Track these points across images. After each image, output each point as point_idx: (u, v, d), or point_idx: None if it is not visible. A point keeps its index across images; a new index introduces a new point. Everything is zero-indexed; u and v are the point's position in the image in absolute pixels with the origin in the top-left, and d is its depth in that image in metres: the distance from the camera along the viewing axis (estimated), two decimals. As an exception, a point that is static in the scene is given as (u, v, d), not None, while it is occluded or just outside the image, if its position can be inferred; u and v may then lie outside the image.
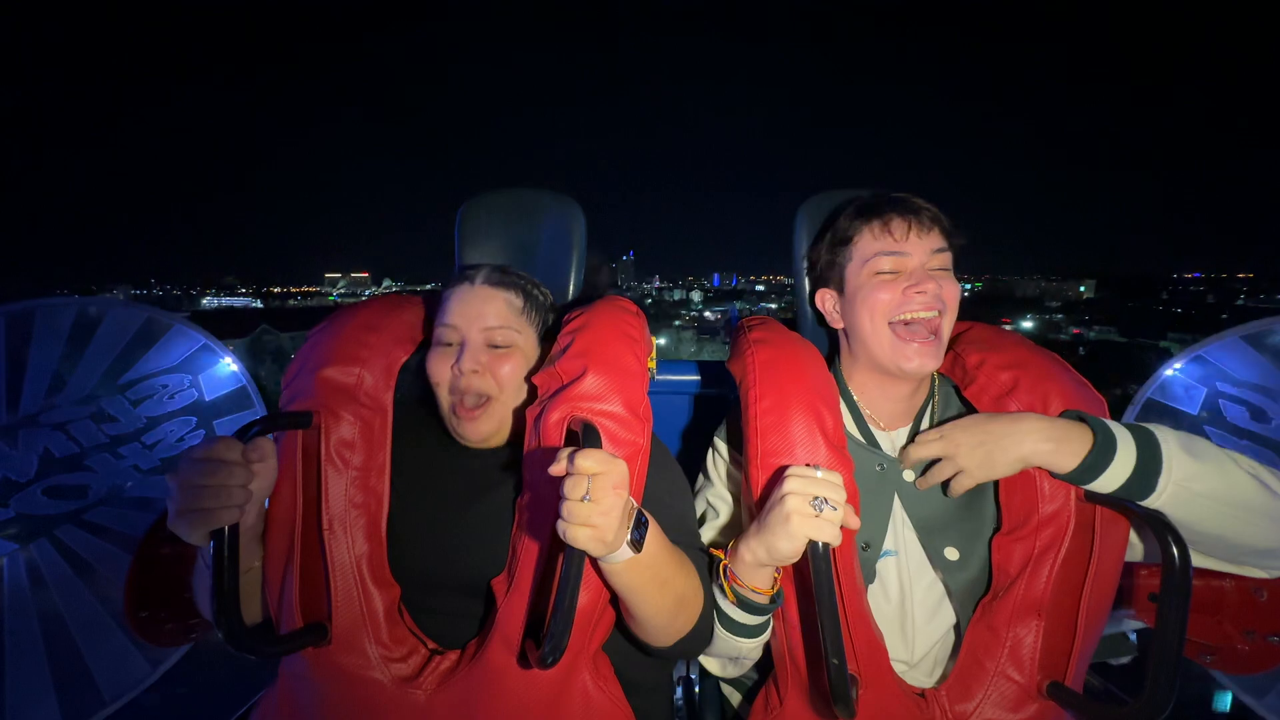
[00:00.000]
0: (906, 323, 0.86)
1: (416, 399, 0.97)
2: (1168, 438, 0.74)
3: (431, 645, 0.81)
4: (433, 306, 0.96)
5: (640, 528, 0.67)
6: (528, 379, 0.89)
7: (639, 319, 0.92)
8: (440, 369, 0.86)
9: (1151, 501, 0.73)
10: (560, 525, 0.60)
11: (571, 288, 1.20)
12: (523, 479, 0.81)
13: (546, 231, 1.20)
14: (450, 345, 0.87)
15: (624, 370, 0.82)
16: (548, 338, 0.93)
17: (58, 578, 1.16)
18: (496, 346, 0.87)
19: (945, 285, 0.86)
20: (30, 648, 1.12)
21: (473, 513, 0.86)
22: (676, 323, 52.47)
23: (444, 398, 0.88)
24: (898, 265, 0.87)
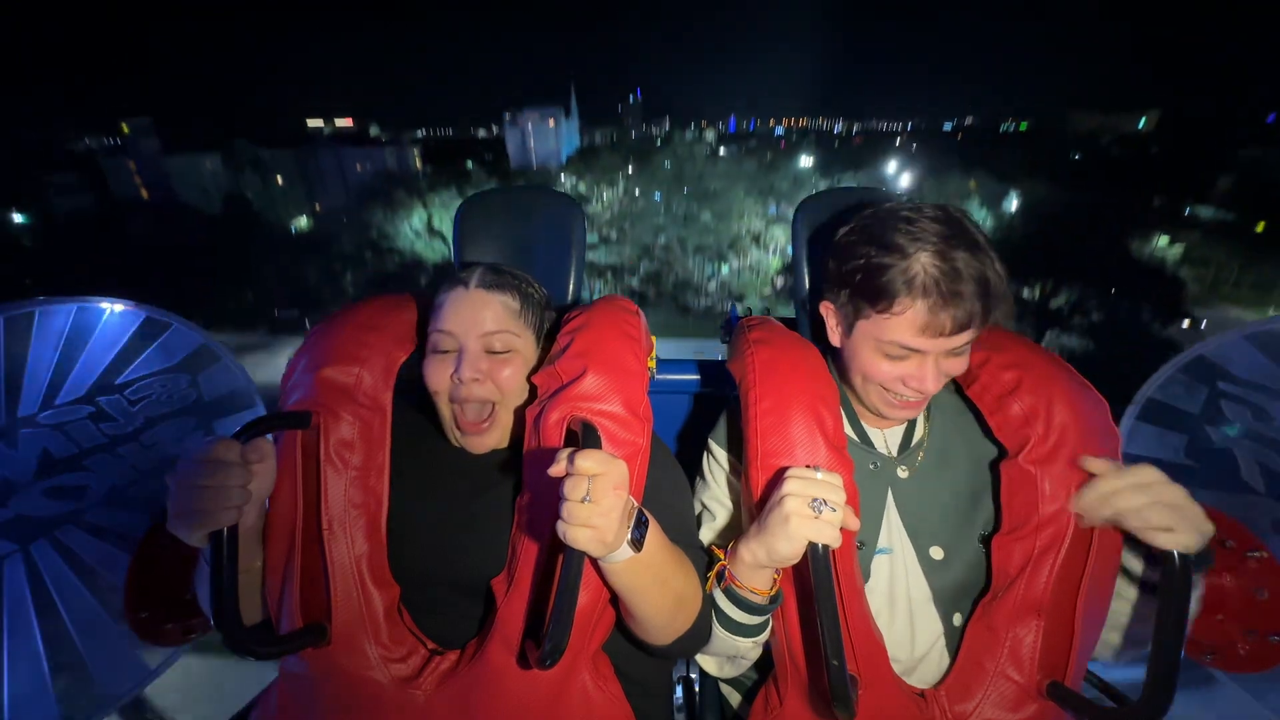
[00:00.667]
0: (894, 395, 0.84)
1: (416, 399, 0.97)
2: None
3: (431, 645, 0.81)
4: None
5: (640, 527, 0.67)
6: (527, 379, 0.89)
7: (639, 318, 0.92)
8: (438, 377, 0.85)
9: None
10: (560, 526, 0.60)
11: (571, 287, 1.19)
12: (522, 479, 0.81)
13: (546, 231, 1.20)
14: (448, 352, 0.85)
15: (624, 370, 0.82)
16: (547, 337, 0.93)
17: (57, 578, 1.16)
18: (495, 352, 0.85)
19: (949, 365, 0.81)
20: (30, 648, 1.12)
21: (472, 512, 0.86)
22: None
23: (444, 407, 0.87)
24: (911, 355, 0.80)
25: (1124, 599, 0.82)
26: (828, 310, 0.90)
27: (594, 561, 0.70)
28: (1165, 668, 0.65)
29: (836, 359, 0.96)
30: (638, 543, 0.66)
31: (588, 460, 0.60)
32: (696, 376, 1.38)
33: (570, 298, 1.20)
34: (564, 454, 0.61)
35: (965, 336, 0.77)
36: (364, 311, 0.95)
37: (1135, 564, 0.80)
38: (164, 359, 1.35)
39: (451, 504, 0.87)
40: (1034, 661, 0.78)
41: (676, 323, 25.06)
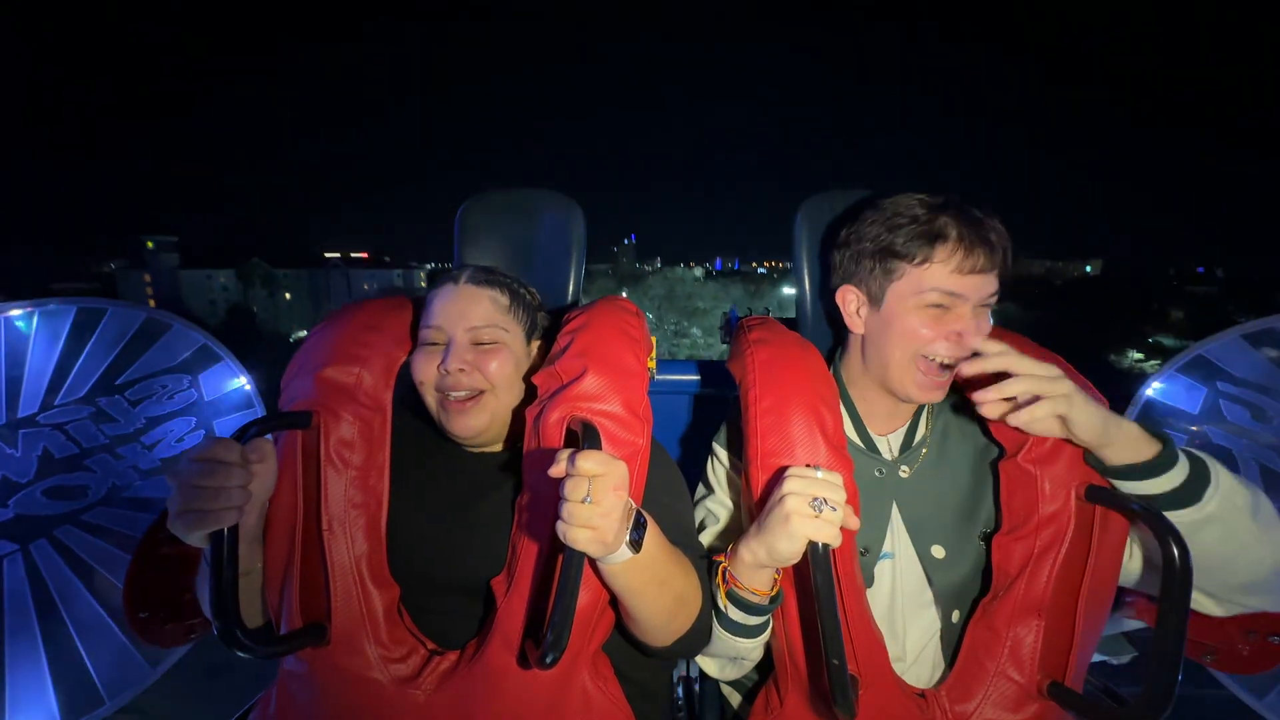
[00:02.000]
0: (933, 361, 0.84)
1: (414, 402, 0.97)
2: (1214, 465, 0.74)
3: (431, 645, 0.81)
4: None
5: (639, 529, 0.67)
6: (526, 379, 0.89)
7: (639, 319, 0.92)
8: (426, 369, 0.85)
9: (1195, 510, 0.71)
10: (560, 527, 0.60)
11: (571, 288, 1.19)
12: (522, 479, 0.81)
13: (546, 231, 1.20)
14: (436, 345, 0.86)
15: (624, 370, 0.82)
16: (546, 338, 0.93)
17: (57, 578, 1.16)
18: (483, 344, 0.86)
19: (985, 324, 0.83)
20: (29, 648, 1.12)
21: (472, 513, 0.86)
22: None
23: (430, 397, 0.87)
24: (951, 304, 0.82)
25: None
26: (847, 294, 0.90)
27: (593, 563, 0.70)
28: (1165, 668, 0.65)
29: (849, 350, 0.96)
30: (636, 544, 0.66)
31: (588, 461, 0.59)
32: (696, 377, 1.38)
33: (570, 298, 1.20)
34: (564, 454, 0.61)
35: (994, 282, 0.82)
36: (364, 312, 0.95)
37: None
38: (164, 359, 1.35)
39: (451, 504, 0.87)
40: (1034, 661, 0.78)
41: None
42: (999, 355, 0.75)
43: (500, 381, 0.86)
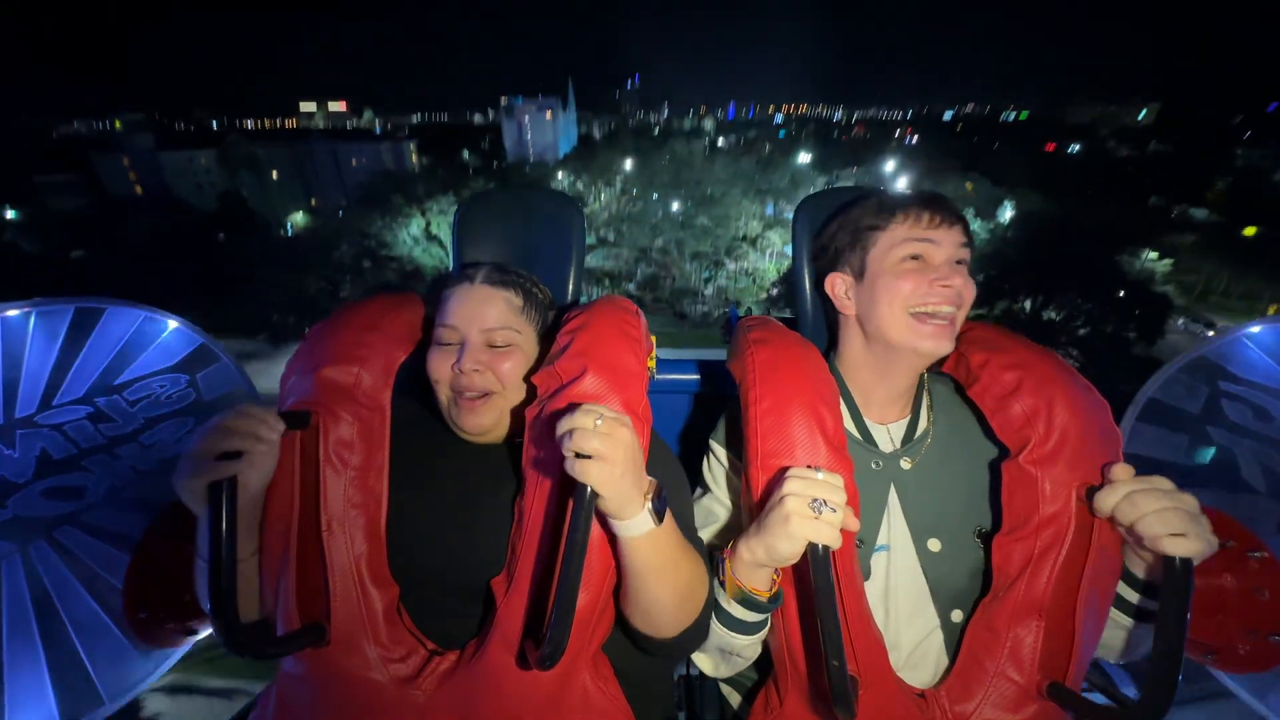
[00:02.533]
0: (925, 314, 0.86)
1: (416, 398, 0.97)
2: None
3: (431, 646, 0.81)
4: (432, 306, 0.96)
5: (661, 500, 0.69)
6: (527, 379, 0.89)
7: (639, 318, 0.92)
8: (440, 368, 0.87)
9: None
10: (570, 464, 0.62)
11: (571, 287, 1.19)
12: (522, 478, 0.81)
13: (546, 231, 1.20)
14: (450, 345, 0.88)
15: (623, 370, 0.82)
16: (547, 336, 0.93)
17: (56, 579, 1.16)
18: (496, 346, 0.88)
19: (966, 283, 0.86)
20: (29, 649, 1.12)
21: (472, 512, 0.86)
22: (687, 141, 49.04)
23: (444, 394, 0.88)
24: (926, 253, 0.87)
25: (1119, 627, 0.82)
26: (834, 281, 0.95)
27: (613, 541, 0.70)
28: (1166, 668, 0.65)
29: (840, 343, 0.98)
30: (659, 513, 0.67)
31: (590, 403, 0.64)
32: (696, 376, 1.38)
33: (570, 298, 1.20)
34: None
35: (961, 235, 0.88)
36: (364, 311, 0.94)
37: (1132, 595, 0.80)
38: (163, 359, 1.35)
39: (451, 504, 0.87)
40: (1034, 662, 0.78)
41: (672, 330, 25.00)
42: (1127, 488, 0.72)
43: (511, 382, 0.88)
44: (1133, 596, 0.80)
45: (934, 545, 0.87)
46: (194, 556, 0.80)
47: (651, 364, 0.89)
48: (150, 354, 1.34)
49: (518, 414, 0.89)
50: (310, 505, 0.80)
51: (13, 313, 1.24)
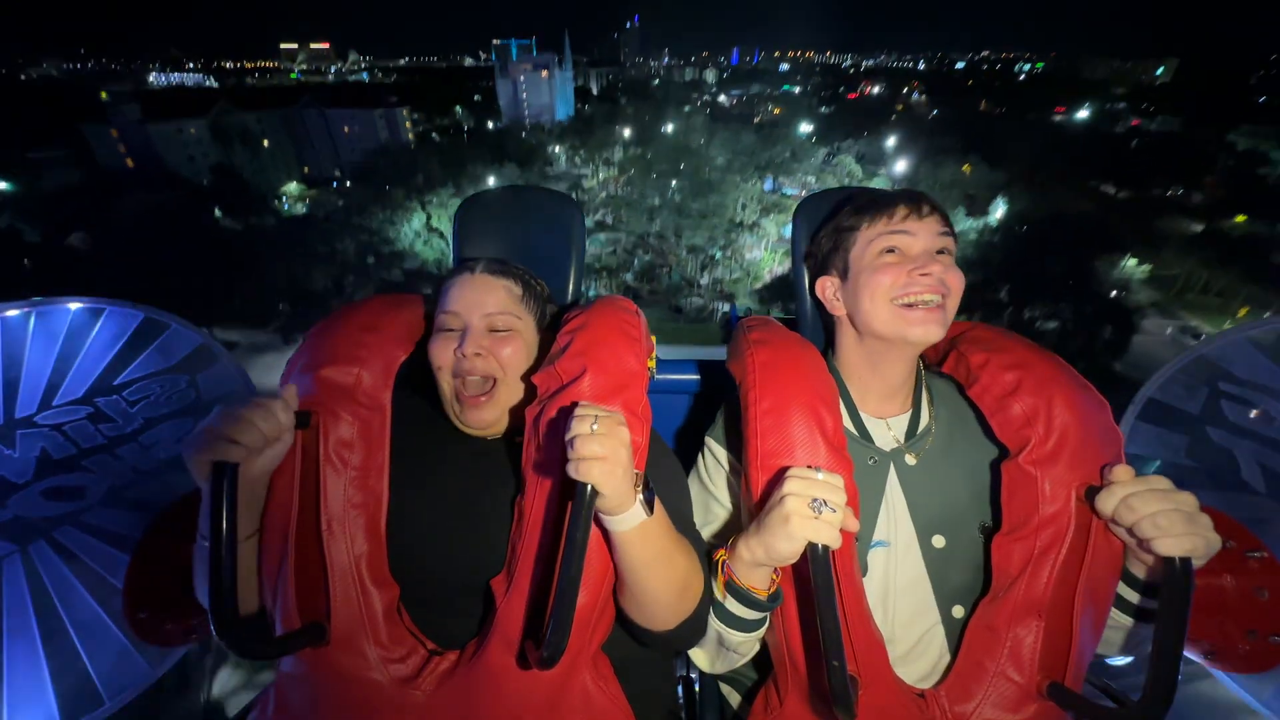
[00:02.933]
0: (909, 303, 0.86)
1: (418, 394, 0.97)
2: None
3: (431, 646, 0.81)
4: (433, 304, 0.96)
5: (650, 491, 0.70)
6: (526, 378, 0.89)
7: (639, 318, 0.92)
8: (443, 353, 0.88)
9: None
10: (571, 465, 0.63)
11: (571, 287, 1.19)
12: (522, 478, 0.81)
13: (546, 231, 1.20)
14: (453, 331, 0.89)
15: (623, 370, 0.82)
16: (547, 334, 0.93)
17: (56, 579, 1.16)
18: (498, 330, 0.89)
19: (949, 271, 0.86)
20: (29, 649, 1.12)
21: (472, 512, 0.86)
22: (686, 108, 46.93)
23: (446, 382, 0.89)
24: (902, 245, 0.88)
25: (1119, 627, 0.82)
26: (824, 284, 0.97)
27: (606, 536, 0.71)
28: (1166, 668, 0.65)
29: (837, 341, 0.98)
30: (649, 504, 0.69)
31: (589, 405, 0.65)
32: (696, 377, 1.38)
33: (570, 298, 1.20)
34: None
35: (940, 225, 0.88)
36: (363, 311, 0.95)
37: (1133, 595, 0.80)
38: (162, 359, 1.35)
39: (452, 504, 0.87)
40: (1034, 662, 0.78)
41: (670, 327, 24.88)
42: (1125, 490, 0.72)
43: (512, 368, 0.89)
44: (1133, 596, 0.80)
45: (939, 541, 0.87)
46: (194, 557, 0.80)
47: (651, 364, 0.89)
48: (150, 354, 1.34)
49: (518, 413, 0.89)
50: (310, 505, 0.80)
51: (13, 313, 1.24)
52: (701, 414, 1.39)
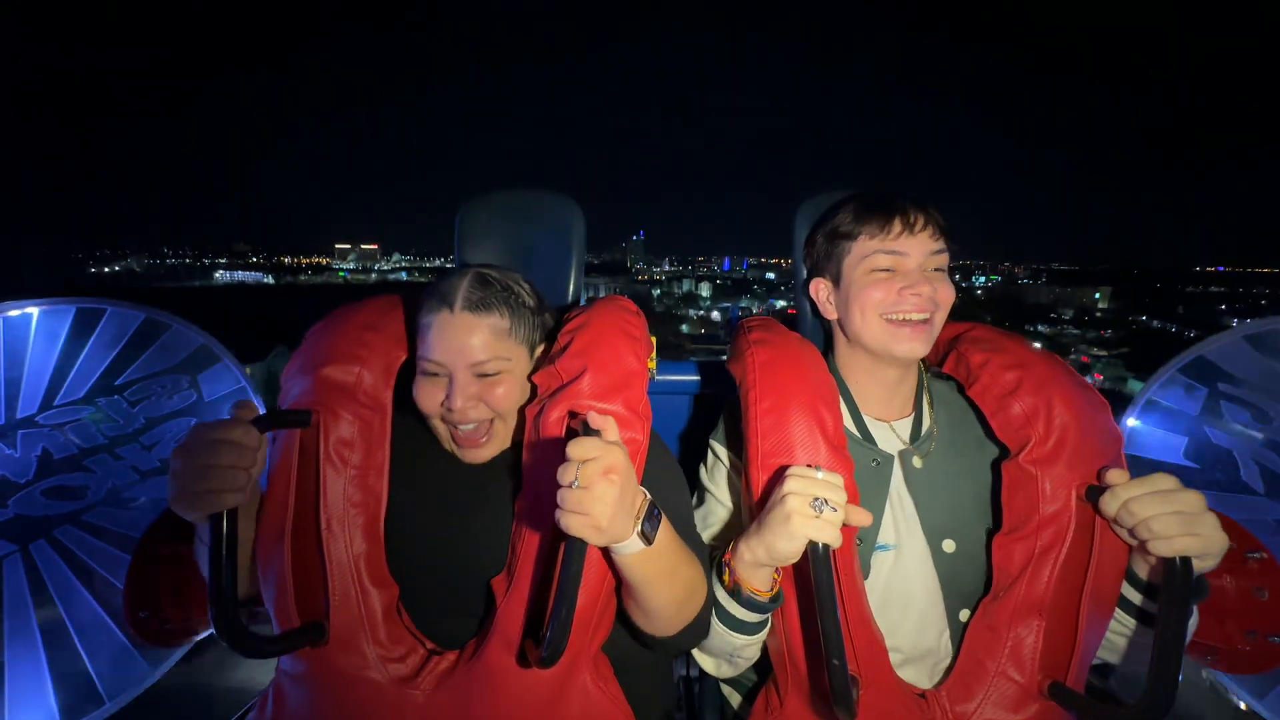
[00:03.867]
0: (899, 320, 0.87)
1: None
2: None
3: (430, 645, 0.81)
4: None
5: (653, 520, 0.68)
6: (527, 379, 0.88)
7: (639, 318, 0.92)
8: (429, 402, 0.82)
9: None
10: (556, 513, 0.61)
11: (571, 288, 1.19)
12: (522, 478, 0.81)
13: (546, 232, 1.20)
14: (437, 375, 0.82)
15: (624, 369, 0.82)
16: (548, 336, 0.93)
17: (57, 579, 1.16)
18: (486, 375, 0.82)
19: (940, 287, 0.87)
20: (29, 649, 1.12)
21: (472, 511, 0.86)
22: (684, 327, 52.42)
23: (439, 426, 0.85)
24: (895, 264, 0.87)
25: (1121, 631, 0.82)
26: (817, 286, 0.97)
27: (607, 554, 0.70)
28: (1166, 668, 0.65)
29: (834, 342, 0.98)
30: (648, 535, 0.66)
31: (579, 447, 0.60)
32: (696, 377, 1.38)
33: (570, 298, 1.20)
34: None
35: (937, 242, 0.88)
36: (363, 311, 0.94)
37: (1135, 595, 0.80)
38: (163, 360, 1.35)
39: (451, 503, 0.87)
40: (1035, 662, 0.77)
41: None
42: (1126, 493, 0.72)
43: (508, 406, 0.84)
44: (1135, 597, 0.80)
45: (949, 546, 0.86)
46: (194, 556, 0.80)
47: (651, 364, 0.89)
48: (151, 354, 1.34)
49: (519, 412, 0.89)
50: (310, 504, 0.80)
51: (14, 313, 1.25)
52: (702, 414, 1.39)
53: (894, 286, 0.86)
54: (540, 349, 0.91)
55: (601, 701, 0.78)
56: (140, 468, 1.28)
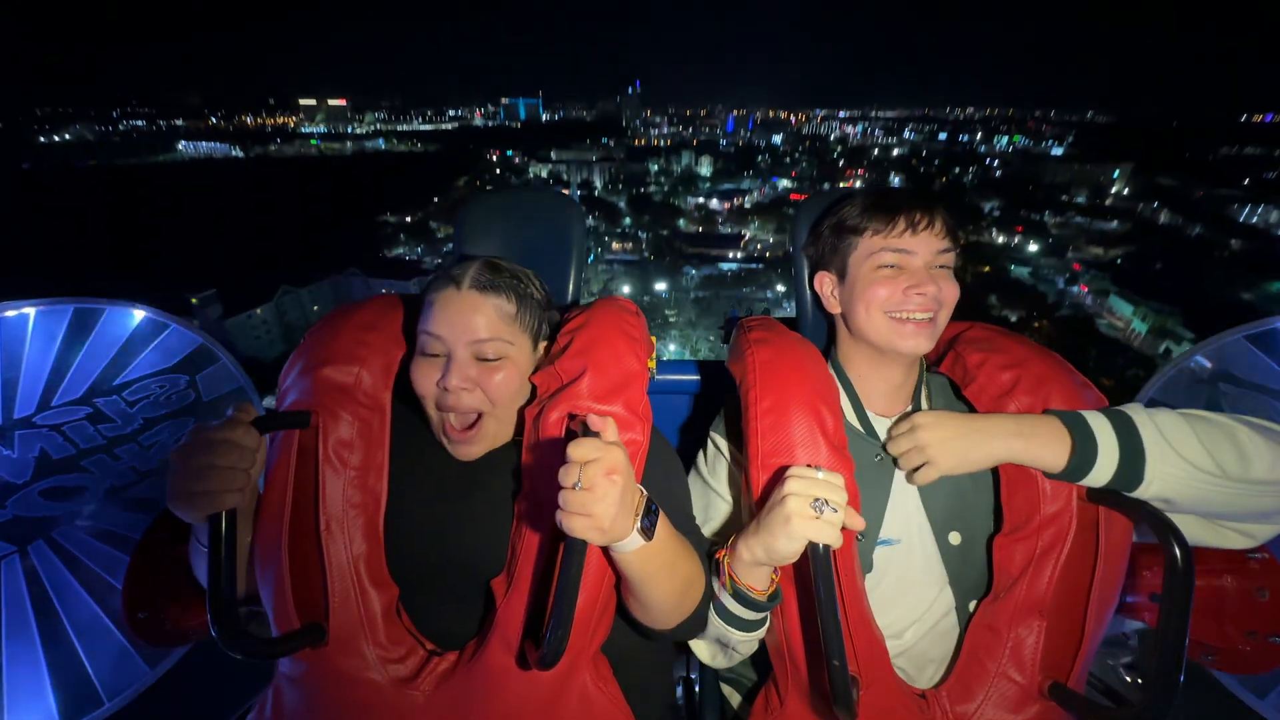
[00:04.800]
0: (902, 317, 0.87)
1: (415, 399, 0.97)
2: (1145, 424, 0.74)
3: (430, 646, 0.81)
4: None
5: (651, 516, 0.68)
6: (520, 407, 0.88)
7: (639, 318, 0.92)
8: (425, 382, 0.81)
9: (1141, 492, 0.73)
10: (558, 515, 0.60)
11: (571, 288, 1.19)
12: (522, 479, 0.81)
13: (546, 231, 1.19)
14: (436, 355, 0.81)
15: (624, 370, 0.82)
16: (549, 336, 0.93)
17: (55, 580, 1.16)
18: (486, 359, 0.81)
19: (945, 286, 0.87)
20: (28, 650, 1.12)
21: (472, 512, 0.86)
22: (681, 222, 50.83)
23: (432, 412, 0.83)
24: (901, 262, 0.87)
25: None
26: (822, 279, 0.97)
27: (606, 551, 0.70)
28: (1167, 669, 0.65)
29: (837, 337, 0.98)
30: (648, 531, 0.67)
31: (581, 448, 0.60)
32: (696, 377, 1.38)
33: (570, 298, 1.20)
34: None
35: (944, 241, 0.88)
36: (363, 311, 0.94)
37: None
38: (162, 359, 1.35)
39: (451, 504, 0.87)
40: (1036, 662, 0.78)
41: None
42: (903, 436, 0.85)
43: (502, 400, 0.82)
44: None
45: (955, 538, 0.87)
46: (190, 553, 0.80)
47: (651, 364, 0.89)
48: (150, 354, 1.34)
49: (519, 413, 0.89)
50: (309, 505, 0.80)
51: (12, 313, 1.24)
52: (702, 414, 1.39)
53: (900, 285, 0.86)
54: (543, 345, 0.90)
55: (601, 702, 0.78)
56: (139, 468, 1.28)
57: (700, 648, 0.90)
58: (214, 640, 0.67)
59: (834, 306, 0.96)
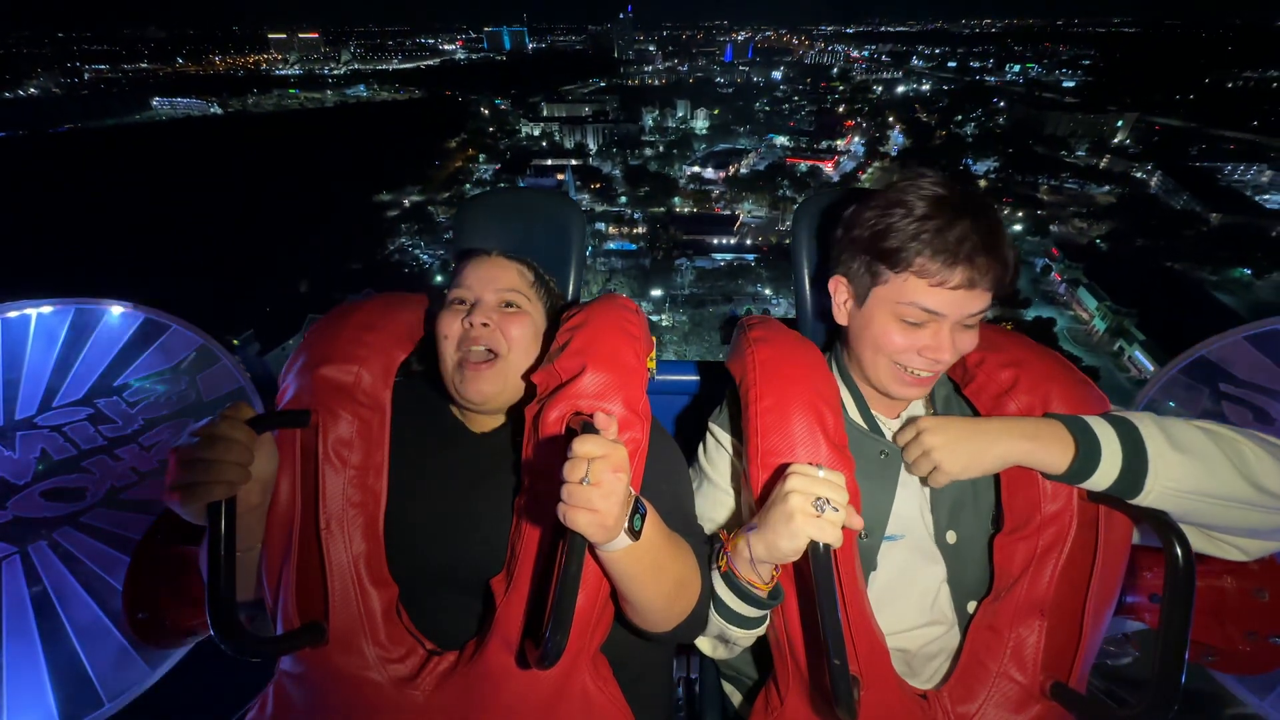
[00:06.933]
0: (906, 369, 0.84)
1: (417, 392, 0.97)
2: (1152, 433, 0.74)
3: (430, 645, 0.81)
4: (436, 306, 0.96)
5: (638, 516, 0.67)
6: (526, 378, 0.88)
7: (639, 316, 0.92)
8: (450, 324, 0.87)
9: (1139, 501, 0.73)
10: (561, 510, 0.60)
11: (571, 287, 1.19)
12: (521, 478, 0.81)
13: (546, 231, 1.19)
14: (463, 304, 0.89)
15: (623, 368, 0.82)
16: (548, 335, 0.93)
17: (56, 580, 1.16)
18: (509, 306, 0.89)
19: (963, 341, 0.82)
20: (28, 650, 1.12)
21: (472, 511, 0.86)
22: (675, 199, 50.09)
23: (450, 353, 0.87)
24: (928, 321, 0.81)
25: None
26: (838, 284, 0.90)
27: (592, 550, 0.70)
28: (1168, 669, 0.65)
29: (842, 341, 0.96)
30: (635, 532, 0.66)
31: (587, 444, 0.60)
32: (696, 377, 1.38)
33: (570, 298, 1.20)
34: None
35: (978, 300, 0.78)
36: (363, 310, 0.94)
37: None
38: (163, 360, 1.35)
39: (451, 503, 0.87)
40: (1037, 662, 0.77)
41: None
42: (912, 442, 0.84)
43: (517, 346, 0.88)
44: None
45: (951, 537, 0.87)
46: (194, 558, 0.80)
47: (651, 364, 0.89)
48: (150, 355, 1.34)
49: (517, 412, 0.89)
50: (309, 504, 0.80)
51: (13, 314, 1.24)
52: (701, 415, 1.39)
53: (917, 343, 0.81)
54: (545, 330, 0.93)
55: (601, 702, 0.78)
56: (139, 469, 1.28)
57: (701, 640, 0.90)
58: (214, 640, 0.67)
59: (843, 319, 0.91)
